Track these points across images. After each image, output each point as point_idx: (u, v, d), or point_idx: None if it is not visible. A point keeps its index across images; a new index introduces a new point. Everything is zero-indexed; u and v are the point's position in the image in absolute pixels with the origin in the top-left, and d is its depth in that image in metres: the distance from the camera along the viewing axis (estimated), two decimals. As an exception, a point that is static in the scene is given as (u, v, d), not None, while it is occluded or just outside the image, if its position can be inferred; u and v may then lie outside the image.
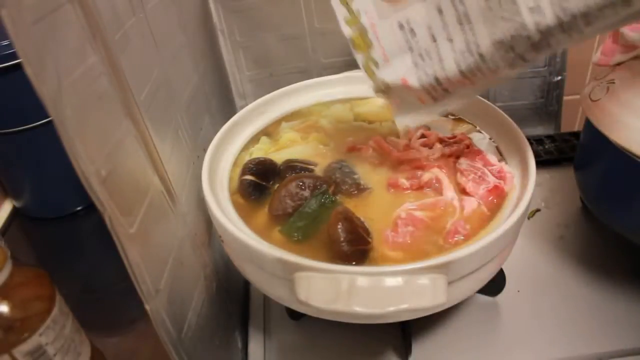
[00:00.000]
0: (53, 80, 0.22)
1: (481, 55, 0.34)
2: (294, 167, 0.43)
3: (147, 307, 0.28)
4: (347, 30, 0.40)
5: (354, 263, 0.35)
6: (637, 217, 0.43)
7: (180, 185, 0.38)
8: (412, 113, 0.41)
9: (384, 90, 0.40)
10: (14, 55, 0.51)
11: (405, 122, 0.43)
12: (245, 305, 0.49)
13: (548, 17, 0.31)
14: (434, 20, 0.35)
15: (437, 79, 0.36)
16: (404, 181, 0.41)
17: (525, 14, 0.31)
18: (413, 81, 0.37)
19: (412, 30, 0.36)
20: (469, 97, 0.40)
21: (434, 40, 0.35)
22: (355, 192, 0.41)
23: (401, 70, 0.38)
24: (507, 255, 0.39)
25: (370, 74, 0.40)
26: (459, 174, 0.42)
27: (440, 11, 0.35)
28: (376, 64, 0.39)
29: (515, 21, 0.32)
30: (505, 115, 0.46)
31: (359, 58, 0.40)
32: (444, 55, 0.35)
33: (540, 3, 0.30)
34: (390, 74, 0.39)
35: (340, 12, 0.39)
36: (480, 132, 0.48)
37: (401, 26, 0.37)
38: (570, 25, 0.31)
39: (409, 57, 0.37)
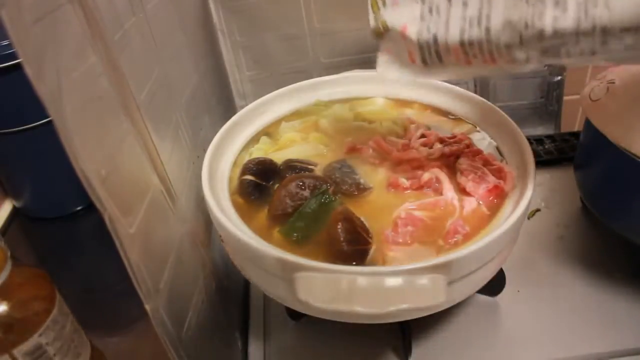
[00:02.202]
0: (53, 80, 0.22)
1: (487, 31, 0.33)
2: (294, 167, 0.43)
3: (147, 306, 0.28)
4: None
5: (354, 263, 0.35)
6: (637, 217, 0.43)
7: (180, 185, 0.38)
8: (397, 68, 0.40)
9: (382, 31, 0.39)
10: (14, 55, 0.51)
11: (388, 74, 0.42)
12: (245, 305, 0.49)
13: (569, 17, 0.29)
14: None
15: (435, 40, 0.35)
16: (404, 181, 0.41)
17: (549, 3, 0.30)
18: (412, 32, 0.36)
19: None
20: (458, 76, 0.39)
21: None
22: (355, 192, 0.41)
23: (406, 17, 0.36)
24: (507, 255, 0.39)
25: (375, 10, 0.39)
26: (459, 174, 0.42)
27: None
28: (384, 2, 0.38)
29: (536, 7, 0.30)
30: (506, 115, 0.45)
31: None
32: (452, 17, 0.34)
33: None
34: (394, 17, 0.37)
35: None
36: (480, 132, 0.48)
37: None
38: (585, 35, 0.29)
39: (418, 7, 0.36)
